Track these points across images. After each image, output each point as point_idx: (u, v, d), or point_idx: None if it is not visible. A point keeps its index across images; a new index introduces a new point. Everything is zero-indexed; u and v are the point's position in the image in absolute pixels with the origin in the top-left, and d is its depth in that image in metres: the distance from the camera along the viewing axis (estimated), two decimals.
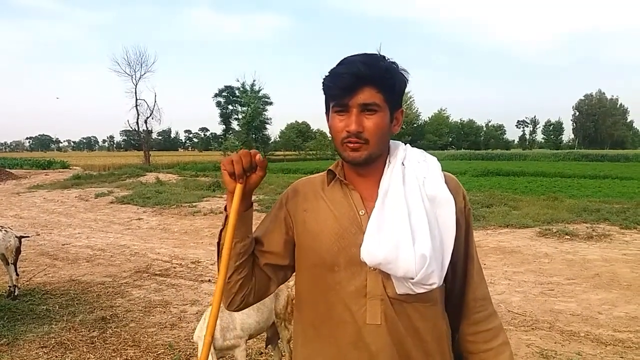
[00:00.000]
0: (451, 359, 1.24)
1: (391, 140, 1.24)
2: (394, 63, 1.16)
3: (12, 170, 26.30)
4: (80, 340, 4.23)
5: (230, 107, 58.07)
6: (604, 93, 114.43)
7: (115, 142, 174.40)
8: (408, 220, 1.09)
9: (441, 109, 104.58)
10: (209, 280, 6.14)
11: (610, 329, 4.40)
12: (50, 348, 4.06)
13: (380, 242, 1.08)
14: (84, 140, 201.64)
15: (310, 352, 1.23)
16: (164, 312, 4.98)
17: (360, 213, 1.18)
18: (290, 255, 1.27)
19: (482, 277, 1.28)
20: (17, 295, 5.33)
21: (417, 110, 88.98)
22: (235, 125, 58.55)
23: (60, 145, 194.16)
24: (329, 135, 1.24)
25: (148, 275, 6.43)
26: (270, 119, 57.31)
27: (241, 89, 55.25)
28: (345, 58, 1.16)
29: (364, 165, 1.18)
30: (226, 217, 1.16)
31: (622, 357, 3.83)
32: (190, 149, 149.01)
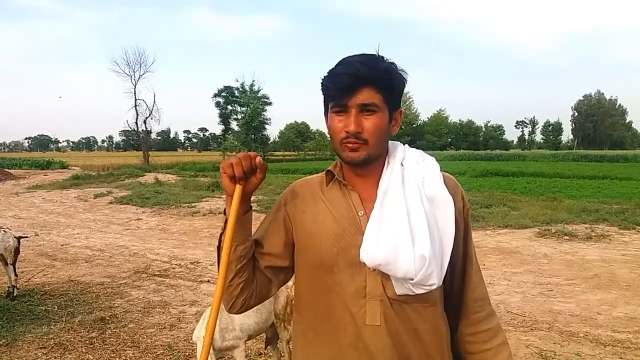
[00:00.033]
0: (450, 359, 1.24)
1: (390, 141, 1.24)
2: (392, 63, 1.16)
3: (11, 171, 26.25)
4: (79, 341, 4.22)
5: (229, 107, 58.08)
6: (602, 94, 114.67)
7: (114, 142, 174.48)
8: (407, 220, 1.09)
9: (440, 110, 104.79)
10: (208, 281, 6.14)
11: (609, 329, 4.41)
12: (49, 349, 4.05)
13: (380, 242, 1.08)
14: (83, 141, 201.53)
15: (309, 353, 1.23)
16: (163, 312, 4.98)
17: (359, 214, 1.17)
18: (290, 256, 1.27)
19: (480, 278, 1.28)
20: (16, 296, 5.32)
21: (416, 111, 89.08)
22: (234, 125, 58.60)
23: (59, 145, 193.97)
24: (328, 135, 1.24)
25: (147, 276, 6.43)
26: (270, 119, 57.36)
27: (240, 89, 55.28)
28: (344, 58, 1.16)
29: (362, 166, 1.18)
30: (226, 221, 1.16)
31: (621, 358, 3.83)
32: (189, 149, 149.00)
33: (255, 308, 3.07)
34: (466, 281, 1.25)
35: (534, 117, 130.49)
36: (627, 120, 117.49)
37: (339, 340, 1.16)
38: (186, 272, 6.63)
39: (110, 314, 4.88)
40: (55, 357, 3.91)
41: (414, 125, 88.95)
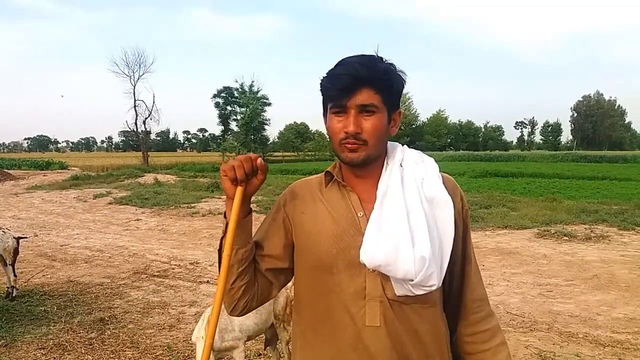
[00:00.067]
0: None
1: (389, 142, 1.24)
2: (391, 64, 1.16)
3: (10, 171, 26.23)
4: (79, 341, 4.22)
5: (229, 108, 58.03)
6: (602, 94, 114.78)
7: (113, 142, 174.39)
8: (407, 221, 1.09)
9: (440, 110, 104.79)
10: (208, 282, 6.14)
11: (608, 330, 4.41)
12: (48, 349, 4.04)
13: (380, 244, 1.08)
14: (83, 141, 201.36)
15: (309, 354, 1.23)
16: (163, 313, 4.98)
17: (359, 215, 1.17)
18: (290, 258, 1.27)
19: (479, 278, 1.28)
20: (15, 297, 5.31)
21: (415, 111, 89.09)
22: (234, 126, 58.51)
23: (59, 146, 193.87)
24: (327, 136, 1.24)
25: (146, 277, 6.42)
26: (269, 119, 57.29)
27: (240, 89, 55.21)
28: (342, 59, 1.16)
29: (362, 167, 1.18)
30: (226, 224, 1.15)
31: (620, 359, 3.83)
32: (188, 150, 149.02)
33: None
34: (465, 282, 1.26)
35: (533, 117, 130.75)
36: (627, 121, 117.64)
37: (339, 341, 1.16)
38: (185, 272, 6.63)
39: (109, 314, 4.87)
40: (54, 358, 3.91)
41: (414, 126, 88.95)
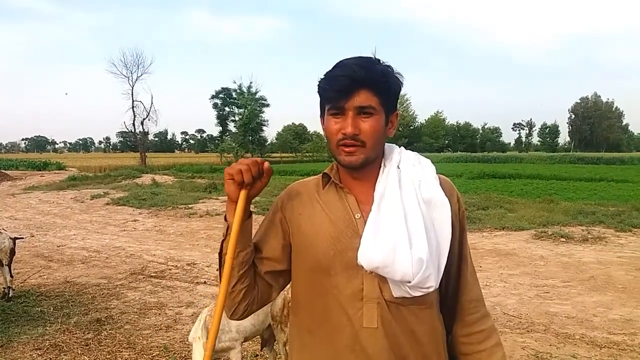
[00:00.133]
0: None
1: (385, 144, 1.24)
2: (389, 66, 1.17)
3: (8, 172, 26.19)
4: (75, 342, 4.21)
5: (227, 108, 58.11)
6: (599, 96, 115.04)
7: (111, 143, 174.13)
8: (404, 223, 1.09)
9: (437, 112, 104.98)
10: (205, 282, 6.13)
11: (605, 331, 4.42)
12: (44, 350, 4.03)
13: (377, 245, 1.09)
14: (80, 142, 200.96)
15: (306, 355, 1.23)
16: (159, 314, 4.97)
17: (356, 216, 1.18)
18: (289, 260, 1.27)
19: (475, 279, 1.28)
20: (11, 297, 5.30)
21: (413, 113, 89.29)
22: (232, 127, 58.56)
23: (56, 146, 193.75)
24: (324, 137, 1.24)
25: (143, 277, 6.41)
26: (267, 120, 57.38)
27: (238, 90, 55.29)
28: (340, 61, 1.16)
29: (360, 169, 1.18)
30: (227, 227, 1.15)
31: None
32: (186, 151, 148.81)
33: None
34: (461, 282, 1.26)
35: (530, 119, 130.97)
36: (624, 123, 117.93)
37: (336, 342, 1.16)
38: (182, 273, 6.62)
39: (106, 315, 4.86)
40: (50, 359, 3.90)
41: (412, 127, 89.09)
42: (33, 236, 9.34)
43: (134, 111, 36.82)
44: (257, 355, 3.90)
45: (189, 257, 7.58)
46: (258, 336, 3.36)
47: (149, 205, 13.05)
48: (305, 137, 71.53)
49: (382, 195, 1.15)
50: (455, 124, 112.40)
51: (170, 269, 6.83)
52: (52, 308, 5.07)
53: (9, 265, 5.35)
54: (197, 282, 6.15)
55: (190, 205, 12.75)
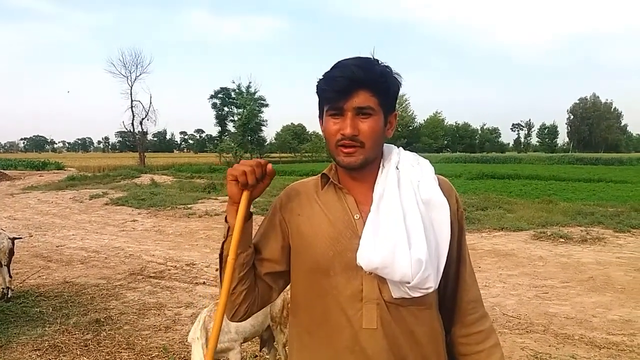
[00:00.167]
0: None
1: (384, 144, 1.24)
2: (387, 67, 1.17)
3: (6, 171, 26.12)
4: (74, 343, 4.20)
5: (225, 108, 57.93)
6: (598, 97, 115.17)
7: (110, 143, 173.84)
8: (404, 224, 1.09)
9: (436, 112, 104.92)
10: (204, 283, 6.13)
11: (604, 332, 4.42)
12: (43, 351, 4.03)
13: (377, 246, 1.09)
14: (79, 142, 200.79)
15: (305, 356, 1.23)
16: (159, 314, 4.96)
17: (355, 217, 1.17)
18: (288, 261, 1.27)
19: (474, 280, 1.28)
20: (10, 298, 5.29)
21: (412, 113, 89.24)
22: (230, 127, 58.43)
23: (55, 146, 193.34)
24: (324, 138, 1.24)
25: (142, 278, 6.40)
26: (266, 120, 57.22)
27: (237, 90, 55.18)
28: (339, 62, 1.16)
29: (359, 170, 1.18)
30: (228, 229, 1.15)
31: None
32: (185, 151, 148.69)
33: None
34: (460, 283, 1.26)
35: (529, 120, 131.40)
36: (622, 124, 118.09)
37: (335, 343, 1.16)
38: (182, 273, 6.62)
39: (105, 315, 4.86)
40: (49, 359, 3.89)
41: (411, 128, 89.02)
42: (32, 236, 9.34)
43: (132, 111, 36.85)
44: (256, 356, 3.89)
45: (188, 257, 7.57)
46: (257, 337, 3.36)
47: (148, 206, 13.04)
48: (304, 138, 71.52)
49: (381, 196, 1.15)
50: (454, 124, 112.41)
51: (169, 270, 6.83)
52: (51, 308, 5.06)
53: (8, 266, 5.34)
54: (196, 283, 6.14)
55: (189, 206, 12.74)
